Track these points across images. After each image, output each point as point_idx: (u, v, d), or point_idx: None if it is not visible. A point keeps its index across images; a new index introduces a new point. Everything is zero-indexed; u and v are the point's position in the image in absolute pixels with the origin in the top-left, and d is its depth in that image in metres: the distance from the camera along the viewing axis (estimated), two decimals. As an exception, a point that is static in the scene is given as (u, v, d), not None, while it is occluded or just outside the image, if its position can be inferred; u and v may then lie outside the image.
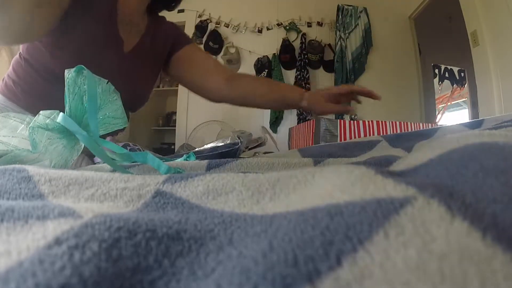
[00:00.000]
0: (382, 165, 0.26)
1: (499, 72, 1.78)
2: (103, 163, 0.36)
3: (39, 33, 0.54)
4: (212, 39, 2.83)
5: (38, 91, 0.61)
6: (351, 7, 2.77)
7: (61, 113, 0.29)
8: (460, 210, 0.11)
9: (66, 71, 0.31)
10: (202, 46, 2.78)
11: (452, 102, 4.18)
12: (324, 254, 0.09)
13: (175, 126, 2.92)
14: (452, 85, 3.83)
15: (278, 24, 2.84)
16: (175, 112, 2.93)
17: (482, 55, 1.88)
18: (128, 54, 0.67)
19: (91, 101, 0.30)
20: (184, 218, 0.14)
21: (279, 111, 2.71)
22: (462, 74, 3.73)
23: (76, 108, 0.31)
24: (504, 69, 1.76)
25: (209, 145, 0.51)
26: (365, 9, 2.78)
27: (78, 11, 0.58)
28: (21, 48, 0.63)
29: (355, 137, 0.62)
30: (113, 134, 0.67)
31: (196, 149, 0.52)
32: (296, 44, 2.80)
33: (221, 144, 0.50)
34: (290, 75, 2.77)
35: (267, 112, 2.76)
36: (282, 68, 2.78)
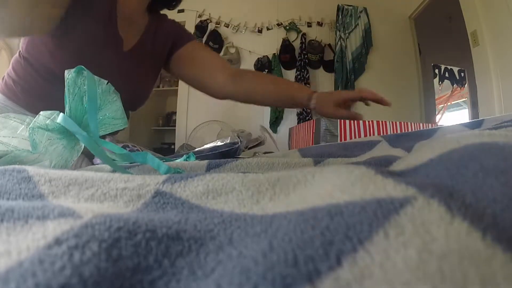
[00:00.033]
0: (382, 165, 0.26)
1: (499, 72, 1.78)
2: (103, 164, 0.36)
3: (40, 31, 0.54)
4: (212, 39, 2.83)
5: (38, 90, 0.61)
6: (351, 7, 2.77)
7: (61, 114, 0.29)
8: (460, 210, 0.11)
9: (66, 71, 0.31)
10: (202, 46, 2.78)
11: (452, 102, 4.18)
12: (324, 254, 0.09)
13: (175, 126, 2.92)
14: (452, 85, 3.83)
15: (278, 24, 2.84)
16: (175, 112, 2.94)
17: (482, 55, 1.88)
18: (128, 53, 0.67)
19: (91, 101, 0.30)
20: (184, 218, 0.14)
21: (279, 111, 2.71)
22: (462, 74, 3.73)
23: (76, 109, 0.31)
24: (504, 69, 1.76)
25: (208, 145, 0.51)
26: (365, 9, 2.78)
27: (78, 11, 0.58)
28: (20, 46, 0.62)
29: (355, 137, 0.62)
30: (113, 133, 0.67)
31: (196, 149, 0.52)
32: (296, 44, 2.80)
33: (220, 143, 0.50)
34: (290, 75, 2.77)
35: (267, 112, 2.76)
36: (282, 68, 2.78)
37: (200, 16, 2.90)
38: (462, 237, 0.09)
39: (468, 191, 0.12)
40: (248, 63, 2.81)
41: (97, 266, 0.10)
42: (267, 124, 2.70)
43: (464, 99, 4.03)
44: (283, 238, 0.11)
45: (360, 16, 2.76)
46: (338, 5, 2.76)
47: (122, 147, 0.51)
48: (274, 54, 2.80)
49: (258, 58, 2.80)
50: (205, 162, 0.33)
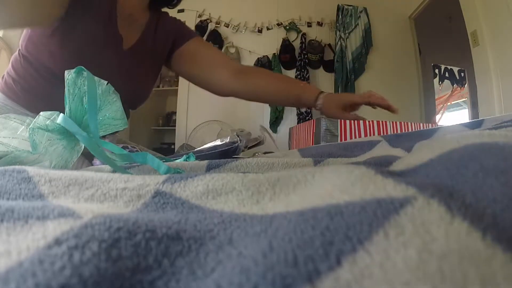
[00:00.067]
0: (382, 165, 0.26)
1: (499, 72, 1.78)
2: (102, 165, 0.36)
3: (40, 25, 0.54)
4: (212, 39, 2.83)
5: (37, 90, 0.61)
6: (351, 7, 2.77)
7: (61, 114, 0.29)
8: (460, 210, 0.11)
9: (66, 72, 0.31)
10: (202, 46, 2.78)
11: (452, 102, 4.18)
12: (324, 254, 0.09)
13: (175, 126, 2.92)
14: (452, 85, 3.83)
15: (278, 24, 2.84)
16: (175, 112, 2.94)
17: (482, 55, 1.88)
18: (128, 52, 0.67)
19: (91, 102, 0.30)
20: (184, 218, 0.14)
21: (279, 111, 2.71)
22: (462, 74, 3.73)
23: (76, 109, 0.31)
24: (504, 69, 1.76)
25: (208, 145, 0.51)
26: (365, 9, 2.78)
27: (78, 11, 0.58)
28: (20, 44, 0.62)
29: (355, 137, 0.62)
30: (113, 133, 0.67)
31: (196, 149, 0.52)
32: (296, 44, 2.80)
33: (220, 143, 0.50)
34: (290, 75, 2.77)
35: (267, 112, 2.76)
36: (282, 68, 2.78)
37: (200, 16, 2.90)
38: (462, 237, 0.09)
39: (468, 191, 0.12)
40: (248, 63, 2.81)
41: (97, 266, 0.10)
42: (267, 124, 2.70)
43: (464, 99, 4.03)
44: (283, 238, 0.11)
45: (360, 16, 2.76)
46: (338, 5, 2.77)
47: (121, 147, 0.51)
48: (274, 54, 2.80)
49: (258, 58, 2.80)
50: (205, 162, 0.33)
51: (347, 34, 2.73)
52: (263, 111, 2.76)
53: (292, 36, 2.83)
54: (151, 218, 0.13)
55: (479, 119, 0.45)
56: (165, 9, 0.77)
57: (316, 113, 2.62)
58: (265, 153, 0.63)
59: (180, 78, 2.83)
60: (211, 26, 2.89)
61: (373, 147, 0.45)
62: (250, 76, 0.77)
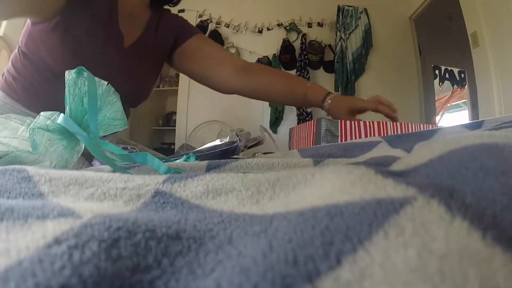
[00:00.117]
0: (382, 165, 0.26)
1: (499, 73, 1.78)
2: (102, 165, 0.36)
3: (37, 17, 0.54)
4: (213, 39, 2.81)
5: (37, 88, 0.60)
6: (351, 8, 2.77)
7: (62, 114, 0.29)
8: (460, 210, 0.11)
9: (66, 72, 0.31)
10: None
11: (452, 103, 4.18)
12: (324, 254, 0.09)
13: (175, 126, 2.92)
14: (453, 86, 3.83)
15: (278, 25, 2.85)
16: (175, 112, 2.94)
17: (482, 56, 1.89)
18: (128, 49, 0.66)
19: (92, 102, 0.30)
20: (184, 218, 0.14)
21: (279, 111, 2.71)
22: (462, 75, 3.73)
23: (77, 109, 0.31)
24: (504, 70, 1.76)
25: (208, 145, 0.51)
26: (365, 9, 2.79)
27: (78, 8, 0.58)
28: (20, 41, 0.62)
29: (356, 138, 0.62)
30: (113, 133, 0.67)
31: (196, 149, 0.52)
32: (297, 45, 2.80)
33: (220, 143, 0.50)
34: (290, 76, 2.77)
35: (267, 112, 2.76)
36: (282, 68, 2.79)
37: (200, 16, 2.90)
38: (462, 237, 0.09)
39: (468, 191, 0.12)
40: (248, 63, 2.81)
41: (96, 266, 0.10)
42: (267, 125, 2.70)
43: (464, 100, 4.03)
44: (283, 238, 0.11)
45: (360, 17, 2.77)
46: (338, 6, 2.77)
47: (121, 148, 0.51)
48: (275, 54, 2.80)
49: (259, 58, 2.80)
50: (205, 162, 0.33)
51: (347, 35, 2.73)
52: (263, 112, 2.76)
53: (293, 36, 2.84)
54: (151, 218, 0.13)
55: (479, 120, 0.45)
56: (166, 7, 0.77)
57: (316, 114, 2.62)
58: (265, 153, 0.63)
59: (181, 78, 2.83)
60: (211, 26, 2.89)
61: (373, 148, 0.45)
62: (253, 73, 0.75)
